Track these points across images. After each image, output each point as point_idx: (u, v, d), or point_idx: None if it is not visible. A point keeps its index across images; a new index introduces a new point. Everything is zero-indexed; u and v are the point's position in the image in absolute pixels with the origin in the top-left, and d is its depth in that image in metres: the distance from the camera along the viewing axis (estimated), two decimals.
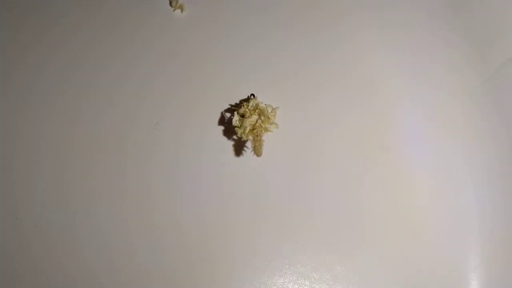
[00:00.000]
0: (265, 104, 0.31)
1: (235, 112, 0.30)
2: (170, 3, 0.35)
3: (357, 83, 0.34)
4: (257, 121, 0.29)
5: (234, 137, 0.32)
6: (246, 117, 0.29)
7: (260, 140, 0.29)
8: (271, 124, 0.30)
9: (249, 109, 0.30)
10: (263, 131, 0.29)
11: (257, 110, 0.30)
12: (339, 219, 0.33)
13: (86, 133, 0.33)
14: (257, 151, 0.29)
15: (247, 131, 0.29)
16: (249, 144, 0.30)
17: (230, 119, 0.31)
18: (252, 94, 0.33)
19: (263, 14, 0.35)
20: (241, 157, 0.33)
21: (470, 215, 0.33)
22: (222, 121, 0.33)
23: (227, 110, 0.33)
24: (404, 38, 0.35)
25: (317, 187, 0.33)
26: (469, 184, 0.34)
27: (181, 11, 0.35)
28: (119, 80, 0.34)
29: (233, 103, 0.33)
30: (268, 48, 0.35)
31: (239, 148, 0.33)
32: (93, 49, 0.35)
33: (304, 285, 0.32)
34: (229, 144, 0.33)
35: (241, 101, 0.33)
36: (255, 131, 0.29)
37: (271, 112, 0.30)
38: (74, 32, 0.35)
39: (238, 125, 0.30)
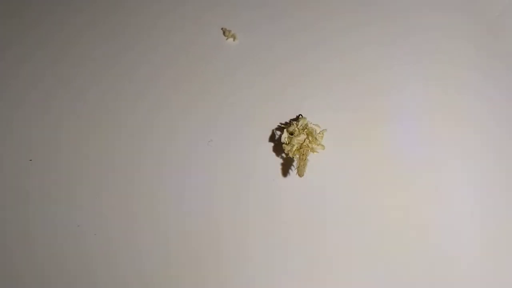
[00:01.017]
0: (313, 124, 0.34)
1: (285, 130, 0.33)
2: (224, 33, 0.39)
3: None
4: (304, 140, 0.32)
5: (283, 154, 0.34)
6: (295, 136, 0.32)
7: (305, 159, 0.31)
8: (318, 145, 0.32)
9: (298, 128, 0.33)
10: (309, 150, 0.32)
11: (305, 130, 0.33)
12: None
13: (154, 148, 0.37)
14: (300, 171, 0.31)
15: (294, 149, 0.32)
16: (295, 163, 0.33)
17: (280, 136, 0.34)
18: (300, 115, 0.36)
19: (308, 42, 0.39)
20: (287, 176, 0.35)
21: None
22: (272, 138, 0.36)
23: (278, 128, 0.36)
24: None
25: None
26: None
27: (233, 40, 0.39)
28: (186, 106, 0.38)
29: (283, 122, 0.37)
30: (312, 72, 0.38)
31: (286, 167, 0.35)
32: (158, 79, 0.39)
33: None
34: (278, 161, 0.36)
35: (291, 120, 0.36)
36: (301, 150, 0.31)
37: (319, 133, 0.33)
38: (143, 61, 0.39)
39: (286, 142, 0.32)
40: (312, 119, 0.34)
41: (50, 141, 0.37)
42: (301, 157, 0.31)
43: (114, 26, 0.40)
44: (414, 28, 0.39)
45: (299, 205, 0.35)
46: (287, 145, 0.32)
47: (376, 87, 0.37)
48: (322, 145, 0.33)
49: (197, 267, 0.34)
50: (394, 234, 0.35)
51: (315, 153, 0.33)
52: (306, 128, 0.33)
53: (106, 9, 0.40)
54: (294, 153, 0.32)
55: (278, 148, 0.36)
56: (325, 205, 0.35)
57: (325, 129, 0.33)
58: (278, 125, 0.36)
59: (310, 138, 0.32)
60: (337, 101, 0.37)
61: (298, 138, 0.32)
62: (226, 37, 0.39)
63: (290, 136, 0.33)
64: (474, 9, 0.38)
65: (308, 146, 0.31)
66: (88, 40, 0.40)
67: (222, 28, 0.39)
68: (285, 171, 0.35)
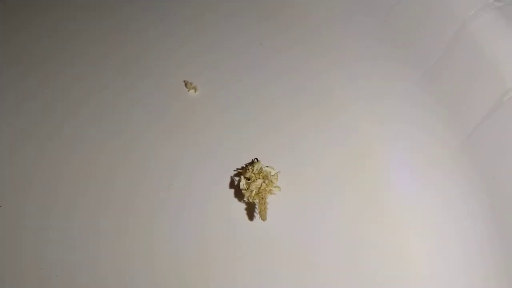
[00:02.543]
0: (267, 166, 0.35)
1: (242, 176, 0.35)
2: (186, 85, 0.41)
3: (350, 150, 0.39)
4: (261, 184, 0.33)
5: (245, 199, 0.35)
6: (252, 181, 0.33)
7: (265, 203, 0.32)
8: (274, 187, 0.34)
9: (254, 173, 0.34)
10: (267, 193, 0.33)
11: (261, 174, 0.34)
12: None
13: (117, 193, 0.37)
14: (262, 215, 0.33)
15: (253, 194, 0.33)
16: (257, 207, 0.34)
17: (238, 183, 0.35)
18: (256, 158, 0.37)
19: (262, 94, 0.41)
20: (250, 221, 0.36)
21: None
22: (232, 184, 0.37)
23: (236, 175, 0.37)
24: (390, 108, 0.40)
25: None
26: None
27: (194, 91, 0.41)
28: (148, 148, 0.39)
29: (239, 167, 0.38)
30: (266, 120, 0.40)
31: (250, 211, 0.36)
32: (122, 126, 0.40)
33: None
34: (240, 206, 0.37)
35: (247, 165, 0.37)
36: (260, 194, 0.33)
37: (274, 175, 0.34)
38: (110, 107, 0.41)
39: (245, 188, 0.34)
40: (267, 163, 0.36)
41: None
42: (260, 201, 0.33)
43: (82, 71, 0.42)
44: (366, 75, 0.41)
45: (282, 247, 0.35)
46: (246, 191, 0.33)
47: (324, 132, 0.39)
48: (278, 187, 0.34)
49: None
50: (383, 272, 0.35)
51: (273, 195, 0.34)
52: (261, 172, 0.34)
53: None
54: (253, 198, 0.33)
55: (238, 193, 0.36)
56: (310, 243, 0.35)
57: (280, 171, 0.35)
58: (236, 170, 0.38)
59: (266, 182, 0.33)
60: (289, 146, 0.39)
61: (255, 183, 0.33)
62: (187, 89, 0.41)
63: (248, 182, 0.34)
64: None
65: (266, 190, 0.33)
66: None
67: (184, 81, 0.41)
68: (251, 215, 0.36)
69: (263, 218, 0.33)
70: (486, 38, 0.37)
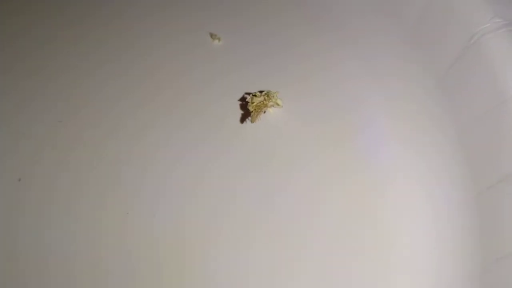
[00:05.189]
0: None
1: (251, 95, 0.41)
2: (211, 36, 0.51)
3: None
4: (263, 99, 0.40)
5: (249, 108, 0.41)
6: (256, 96, 0.41)
7: (259, 111, 0.39)
8: (274, 102, 0.41)
9: (257, 95, 0.41)
10: (265, 106, 0.40)
11: (265, 94, 0.41)
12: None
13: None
14: (252, 118, 0.40)
15: (254, 105, 0.40)
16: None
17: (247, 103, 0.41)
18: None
19: (280, 47, 0.48)
20: None
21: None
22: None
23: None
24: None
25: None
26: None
27: (219, 42, 0.50)
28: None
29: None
30: (282, 69, 0.46)
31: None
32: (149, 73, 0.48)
33: None
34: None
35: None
36: (259, 105, 0.40)
37: (275, 92, 0.41)
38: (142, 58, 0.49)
39: (250, 101, 0.41)
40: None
41: None
42: (256, 109, 0.40)
43: (103, 36, 0.49)
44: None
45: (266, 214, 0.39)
46: (250, 103, 0.40)
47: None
48: (278, 104, 0.41)
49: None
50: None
51: (270, 109, 0.41)
52: (267, 94, 0.41)
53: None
54: (253, 107, 0.40)
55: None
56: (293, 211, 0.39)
57: (278, 91, 0.42)
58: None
59: (266, 98, 0.41)
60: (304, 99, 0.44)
61: (259, 98, 0.41)
62: (212, 40, 0.50)
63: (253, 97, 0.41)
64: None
65: (263, 103, 0.40)
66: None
67: (209, 33, 0.51)
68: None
69: (252, 120, 0.40)
70: None
